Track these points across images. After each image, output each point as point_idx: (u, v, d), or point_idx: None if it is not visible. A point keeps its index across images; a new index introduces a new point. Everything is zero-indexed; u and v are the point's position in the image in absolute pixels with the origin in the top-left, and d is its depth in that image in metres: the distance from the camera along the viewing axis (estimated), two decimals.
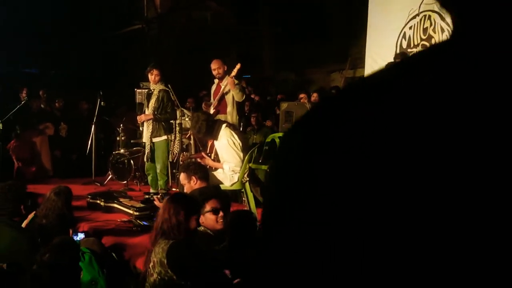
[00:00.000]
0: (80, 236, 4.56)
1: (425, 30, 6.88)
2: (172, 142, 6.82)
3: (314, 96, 9.62)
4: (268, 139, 7.59)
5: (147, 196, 5.76)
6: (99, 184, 8.05)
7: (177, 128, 6.89)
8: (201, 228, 3.57)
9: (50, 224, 3.96)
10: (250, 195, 5.90)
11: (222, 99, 6.87)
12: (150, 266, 3.03)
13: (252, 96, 10.22)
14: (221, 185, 5.81)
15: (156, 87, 6.67)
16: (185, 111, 7.90)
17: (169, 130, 6.74)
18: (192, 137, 7.50)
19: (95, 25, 14.63)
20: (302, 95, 9.05)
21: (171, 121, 6.90)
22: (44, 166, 8.64)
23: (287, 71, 14.69)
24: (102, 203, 6.39)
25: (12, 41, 12.77)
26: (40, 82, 12.46)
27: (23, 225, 4.17)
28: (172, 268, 2.94)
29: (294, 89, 12.29)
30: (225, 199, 3.95)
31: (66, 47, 13.74)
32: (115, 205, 6.29)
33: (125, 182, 7.91)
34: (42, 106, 9.26)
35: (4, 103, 8.68)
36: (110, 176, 8.09)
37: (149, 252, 3.14)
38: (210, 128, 5.72)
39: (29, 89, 9.20)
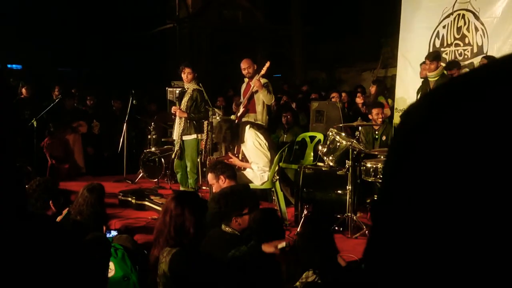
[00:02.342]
0: (113, 233, 4.61)
1: (459, 29, 6.74)
2: (202, 141, 6.83)
3: (344, 96, 9.55)
4: (298, 139, 7.55)
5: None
6: (130, 182, 8.13)
7: (208, 127, 6.89)
8: (229, 230, 3.56)
9: (84, 221, 4.01)
10: (280, 194, 5.87)
11: (251, 98, 6.86)
12: (159, 274, 2.85)
13: (280, 96, 10.17)
14: (251, 184, 5.82)
15: (190, 86, 6.70)
16: (216, 110, 7.93)
17: (199, 129, 6.74)
18: None
19: (128, 24, 14.85)
20: (334, 94, 8.99)
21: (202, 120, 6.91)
22: (77, 164, 8.78)
23: (318, 70, 14.60)
24: (133, 201, 6.46)
25: (46, 40, 13.06)
26: (73, 80, 12.74)
27: (57, 220, 4.25)
28: (175, 282, 2.77)
29: (325, 88, 12.22)
30: (256, 198, 3.93)
31: (99, 46, 13.98)
32: (146, 203, 6.35)
33: (156, 180, 7.98)
34: (75, 104, 9.43)
35: (38, 101, 8.87)
36: (141, 174, 8.17)
37: (153, 256, 2.96)
38: (234, 134, 5.73)
39: (62, 87, 9.37)
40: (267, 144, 5.78)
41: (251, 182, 5.79)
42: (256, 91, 6.77)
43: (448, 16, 6.79)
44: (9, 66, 14.69)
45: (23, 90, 8.82)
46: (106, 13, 14.16)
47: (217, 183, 4.53)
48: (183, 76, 6.71)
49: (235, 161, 5.91)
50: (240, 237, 3.56)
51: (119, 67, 13.83)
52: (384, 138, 6.59)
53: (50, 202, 3.77)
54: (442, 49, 7.18)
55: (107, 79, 13.35)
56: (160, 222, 2.95)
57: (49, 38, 13.48)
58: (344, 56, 13.99)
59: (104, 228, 4.14)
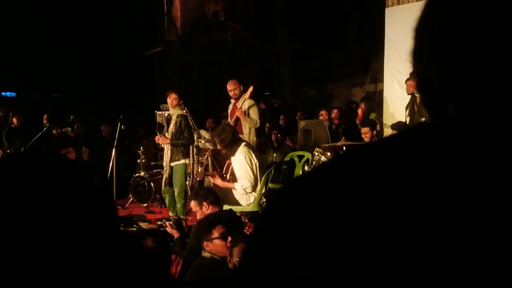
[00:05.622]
0: None
1: None
2: (189, 166, 6.83)
3: (335, 113, 9.55)
4: (287, 158, 7.54)
5: (159, 223, 5.75)
6: (120, 208, 8.09)
7: (194, 151, 6.90)
8: (207, 254, 3.53)
9: None
10: None
11: (239, 120, 6.87)
12: None
13: (261, 105, 10.14)
14: (238, 206, 5.79)
15: (174, 112, 6.71)
16: (201, 133, 7.93)
17: (187, 154, 6.75)
18: (209, 158, 7.51)
19: (118, 48, 14.93)
20: (322, 112, 8.97)
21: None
22: None
23: (307, 87, 14.66)
24: (121, 228, 6.42)
25: (37, 66, 13.11)
26: (65, 105, 12.75)
27: None
28: None
29: (314, 104, 12.25)
30: (235, 223, 3.89)
31: (89, 70, 14.02)
32: (134, 229, 6.31)
33: (146, 204, 7.96)
34: (68, 130, 9.44)
35: (28, 130, 8.88)
36: (131, 199, 8.14)
37: None
38: (232, 141, 5.72)
39: (50, 116, 9.39)
40: (257, 164, 5.76)
41: (238, 203, 5.78)
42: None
43: None
44: (3, 94, 14.74)
45: (14, 120, 8.85)
46: (95, 37, 14.23)
47: (200, 210, 4.49)
48: (168, 101, 6.72)
49: (217, 180, 5.87)
50: (219, 262, 3.52)
51: (109, 90, 13.86)
52: None
53: None
54: None
55: (97, 103, 13.37)
56: None
57: (40, 64, 13.53)
58: (333, 71, 14.06)
59: None
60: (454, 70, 0.60)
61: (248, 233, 6.09)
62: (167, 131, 6.76)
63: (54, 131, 8.99)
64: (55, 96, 15.45)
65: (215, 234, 3.50)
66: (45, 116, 9.42)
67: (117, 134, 8.30)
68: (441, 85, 0.62)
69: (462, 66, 0.59)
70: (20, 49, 13.05)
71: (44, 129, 8.46)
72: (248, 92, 6.72)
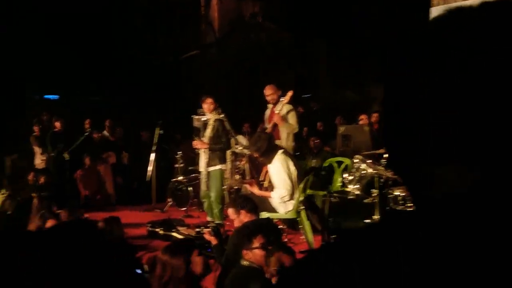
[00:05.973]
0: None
1: None
2: (226, 171, 6.82)
3: (375, 117, 9.30)
4: (326, 164, 7.43)
5: (197, 229, 5.76)
6: (159, 211, 8.18)
7: (232, 157, 6.89)
8: (246, 263, 3.50)
9: None
10: (307, 223, 5.75)
11: (276, 125, 6.81)
12: None
13: (299, 109, 10.03)
14: (275, 213, 5.74)
15: (211, 117, 6.70)
16: (238, 139, 7.91)
17: (224, 159, 6.74)
18: (246, 164, 7.48)
19: (156, 51, 15.10)
20: (362, 117, 8.74)
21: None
22: (108, 194, 8.92)
23: (347, 89, 14.44)
24: (161, 232, 6.48)
25: (79, 70, 13.38)
26: (105, 109, 12.98)
27: None
28: None
29: (354, 107, 12.05)
30: (272, 231, 3.85)
31: (127, 74, 14.23)
32: (173, 234, 6.35)
33: (185, 208, 8.02)
34: (106, 134, 9.60)
35: (71, 134, 9.08)
36: (170, 203, 8.22)
37: None
38: (269, 149, 5.67)
39: (92, 120, 9.57)
40: (295, 171, 5.70)
41: (276, 210, 5.72)
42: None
43: None
44: (45, 96, 15.12)
45: (57, 124, 9.05)
46: (133, 41, 14.43)
47: (238, 218, 4.48)
48: (205, 106, 6.73)
49: (255, 190, 5.84)
50: (258, 270, 3.49)
51: (147, 95, 14.03)
52: None
53: None
54: None
55: (136, 107, 13.56)
56: (158, 276, 3.01)
57: (82, 67, 13.82)
58: (373, 73, 13.76)
59: None
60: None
61: (286, 240, 6.06)
62: (204, 136, 6.76)
63: (94, 136, 9.16)
64: (93, 99, 15.76)
65: (256, 244, 3.47)
66: (87, 121, 9.60)
67: (155, 139, 8.39)
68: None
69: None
70: (61, 52, 13.36)
71: (86, 134, 8.63)
72: (287, 97, 6.65)
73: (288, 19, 14.95)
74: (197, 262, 3.06)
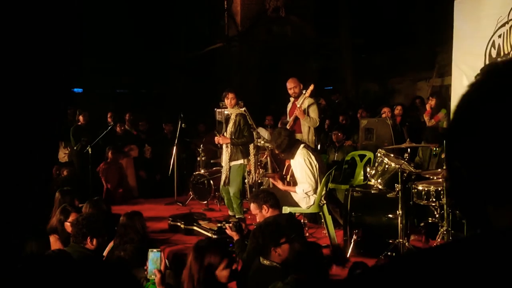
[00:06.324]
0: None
1: None
2: (249, 164, 6.80)
3: (398, 109, 9.18)
4: (348, 158, 7.34)
5: (219, 225, 5.75)
6: (181, 204, 8.21)
7: (254, 150, 6.86)
8: (267, 263, 3.47)
9: (128, 258, 4.04)
10: (329, 218, 5.71)
11: (297, 118, 6.76)
12: None
13: (321, 101, 9.91)
14: (297, 208, 5.71)
15: (233, 111, 6.69)
16: (260, 131, 7.87)
17: (246, 153, 6.72)
18: (268, 158, 7.45)
19: (179, 44, 15.14)
20: (384, 110, 8.61)
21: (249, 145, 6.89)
22: (130, 187, 8.98)
23: (370, 82, 14.28)
24: (182, 226, 6.49)
25: (103, 62, 13.50)
26: (130, 101, 13.08)
27: (104, 253, 4.31)
28: None
29: (377, 100, 11.91)
30: (298, 228, 3.82)
31: (152, 67, 14.31)
32: (195, 228, 6.36)
33: (206, 202, 8.03)
34: (127, 128, 9.67)
35: (94, 127, 9.14)
36: (192, 196, 8.24)
37: None
38: (290, 145, 5.64)
39: (114, 114, 9.63)
40: (317, 166, 5.65)
41: (298, 205, 5.69)
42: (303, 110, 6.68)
43: (503, 25, 6.41)
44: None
45: (80, 117, 9.13)
46: (157, 34, 14.50)
47: (260, 213, 4.45)
48: (227, 101, 6.71)
49: (278, 184, 5.83)
50: (279, 270, 3.45)
51: (172, 88, 14.10)
52: (443, 156, 6.25)
53: (88, 238, 3.80)
54: (498, 59, 6.78)
55: (160, 100, 13.64)
56: (185, 276, 2.98)
57: (106, 60, 13.94)
58: (396, 66, 13.59)
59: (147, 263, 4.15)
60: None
61: (307, 234, 6.03)
62: (226, 130, 6.76)
63: (118, 129, 9.22)
64: (119, 92, 15.92)
65: (284, 239, 3.45)
66: (109, 115, 9.67)
67: (178, 132, 8.41)
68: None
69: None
70: (86, 46, 13.48)
71: (109, 127, 8.68)
72: (309, 91, 6.60)
73: (311, 13, 14.83)
74: (223, 275, 3.06)
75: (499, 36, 6.54)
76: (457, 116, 0.76)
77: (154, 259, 3.47)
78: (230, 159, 6.62)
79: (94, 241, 3.83)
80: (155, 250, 3.53)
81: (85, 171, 8.31)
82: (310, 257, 3.32)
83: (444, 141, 0.80)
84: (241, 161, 6.62)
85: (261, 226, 3.63)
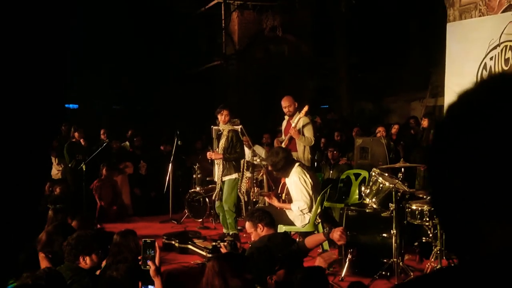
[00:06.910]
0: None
1: (506, 60, 6.44)
2: (240, 181, 6.84)
3: (395, 128, 9.23)
4: (343, 176, 7.37)
5: (214, 244, 5.74)
6: (175, 222, 8.18)
7: (245, 167, 6.91)
8: None
9: (120, 277, 4.01)
10: None
11: (293, 138, 6.79)
12: None
13: (317, 119, 9.99)
14: (293, 227, 5.70)
15: (225, 127, 6.77)
16: (257, 149, 7.89)
17: (239, 168, 6.80)
18: (264, 176, 7.46)
19: (177, 62, 15.21)
20: (379, 129, 8.66)
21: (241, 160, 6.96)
22: (124, 205, 8.92)
23: (365, 101, 14.39)
24: (176, 244, 6.46)
25: (100, 79, 13.52)
26: (126, 118, 13.08)
27: (97, 273, 4.27)
28: None
29: (371, 119, 11.98)
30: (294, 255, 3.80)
31: (146, 84, 14.34)
32: (190, 247, 6.33)
33: (201, 220, 8.00)
34: (126, 145, 9.65)
35: (89, 145, 9.12)
36: (187, 214, 8.22)
37: None
38: (286, 166, 5.66)
39: (107, 130, 9.62)
40: (312, 184, 5.67)
41: (293, 223, 5.69)
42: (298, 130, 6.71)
43: (495, 48, 6.52)
44: (66, 106, 15.30)
45: (75, 134, 9.09)
46: (155, 51, 14.56)
47: (255, 232, 4.44)
48: (220, 117, 6.78)
49: (274, 201, 5.84)
50: None
51: (168, 104, 14.12)
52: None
53: (80, 258, 3.78)
54: None
55: (156, 116, 13.65)
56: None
57: (103, 76, 13.97)
58: (391, 86, 13.73)
59: (140, 284, 4.12)
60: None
61: None
62: (218, 146, 6.81)
63: (114, 145, 9.20)
64: (115, 108, 15.93)
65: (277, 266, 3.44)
66: (102, 131, 9.66)
67: (173, 149, 8.41)
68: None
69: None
70: (83, 62, 13.54)
71: (104, 144, 8.66)
72: (303, 111, 6.63)
73: (308, 32, 14.99)
74: None
75: (491, 59, 6.64)
76: (454, 118, 0.69)
77: (149, 249, 3.45)
78: (223, 174, 6.69)
79: (87, 259, 3.80)
80: (148, 240, 3.52)
81: (79, 188, 8.25)
82: (314, 284, 3.28)
83: (429, 153, 0.73)
84: (234, 176, 6.70)
85: (254, 256, 3.60)
